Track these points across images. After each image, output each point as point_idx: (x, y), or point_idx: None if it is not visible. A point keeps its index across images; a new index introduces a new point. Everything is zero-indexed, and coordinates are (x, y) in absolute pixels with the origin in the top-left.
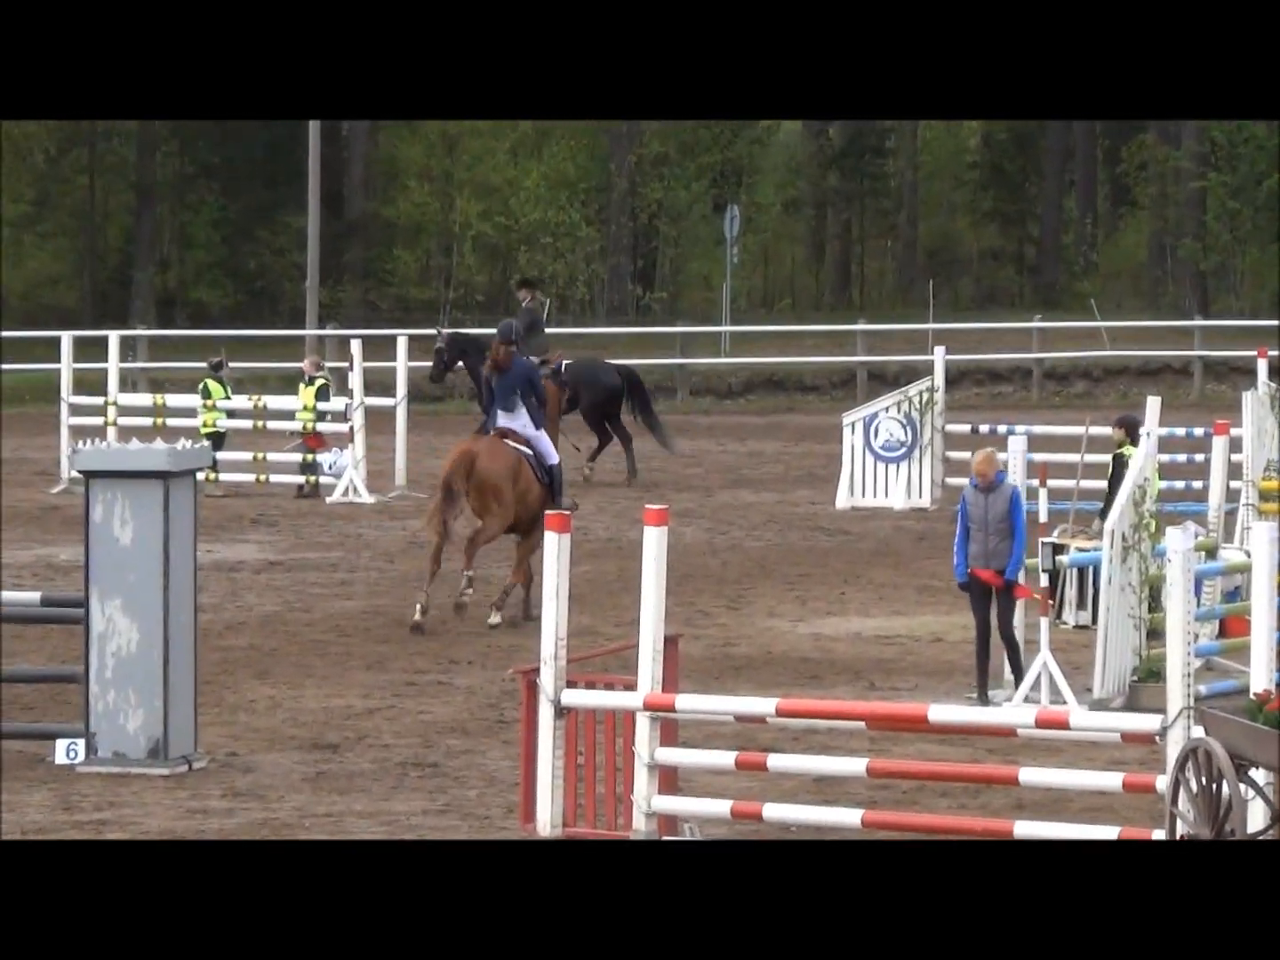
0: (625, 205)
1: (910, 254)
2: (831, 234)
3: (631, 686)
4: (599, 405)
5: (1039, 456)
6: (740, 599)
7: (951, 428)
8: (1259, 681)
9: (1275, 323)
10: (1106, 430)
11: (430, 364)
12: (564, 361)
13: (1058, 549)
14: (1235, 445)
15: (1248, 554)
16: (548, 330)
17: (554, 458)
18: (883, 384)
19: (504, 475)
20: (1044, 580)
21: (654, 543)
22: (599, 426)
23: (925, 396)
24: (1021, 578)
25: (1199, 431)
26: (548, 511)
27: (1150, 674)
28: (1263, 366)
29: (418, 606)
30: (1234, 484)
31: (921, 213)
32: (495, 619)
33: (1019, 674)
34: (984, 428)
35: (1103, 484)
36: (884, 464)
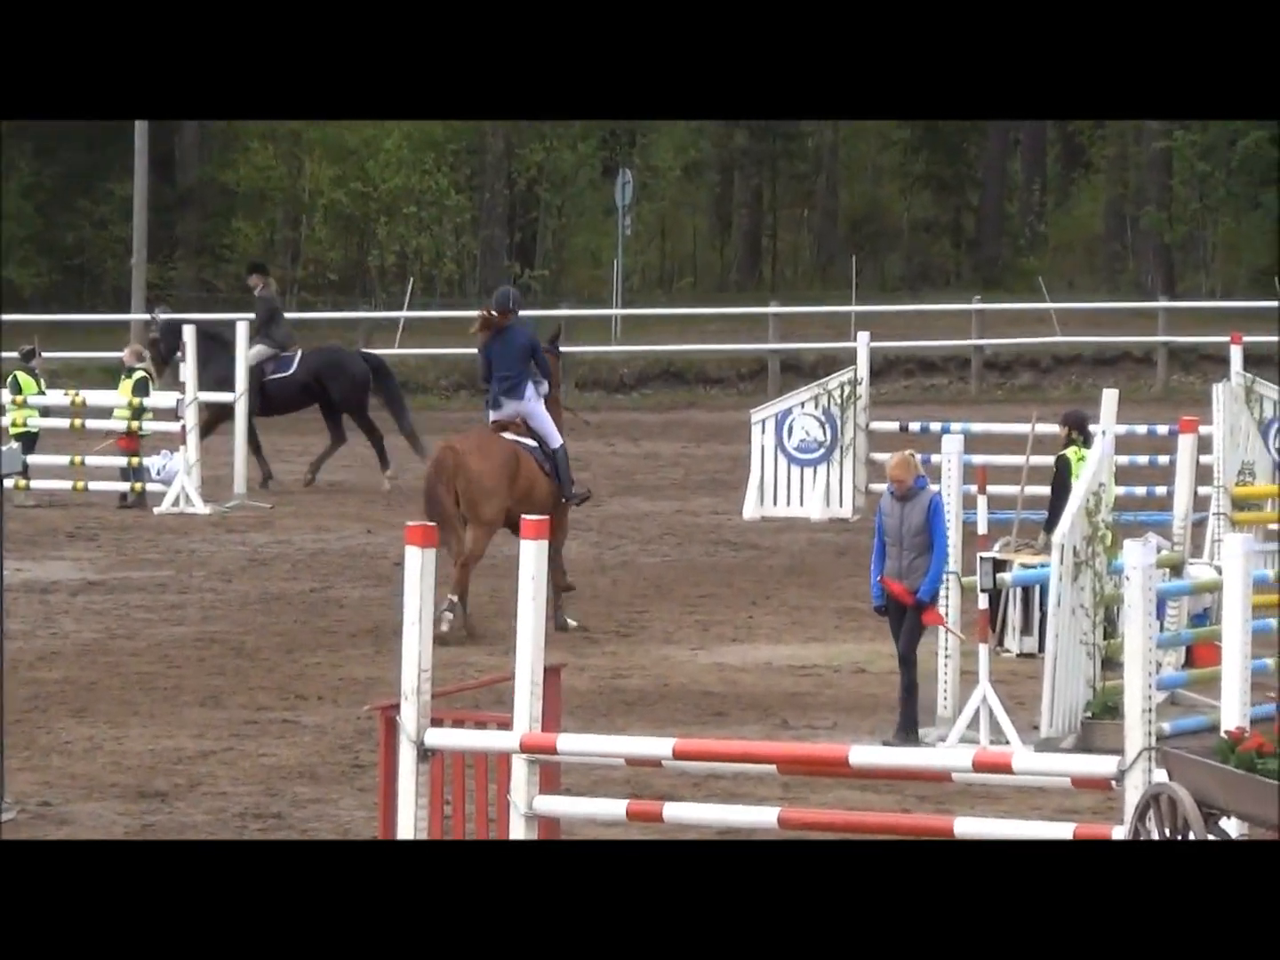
0: (501, 169)
1: (830, 226)
2: (739, 202)
3: (506, 725)
4: (347, 397)
5: (978, 458)
6: (633, 623)
7: (877, 425)
8: (1231, 718)
9: (1250, 304)
10: (1055, 428)
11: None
12: (299, 351)
13: (999, 565)
14: (1204, 445)
15: (1218, 570)
16: (412, 314)
17: (557, 440)
18: (798, 375)
19: (498, 475)
20: (983, 601)
21: (532, 559)
22: (338, 422)
23: (847, 390)
24: (973, 598)
25: (1162, 429)
26: (410, 524)
27: (1106, 709)
28: (1236, 354)
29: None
30: (1203, 490)
31: (843, 178)
32: (573, 621)
33: (908, 712)
34: (914, 425)
35: (1047, 489)
36: (799, 468)
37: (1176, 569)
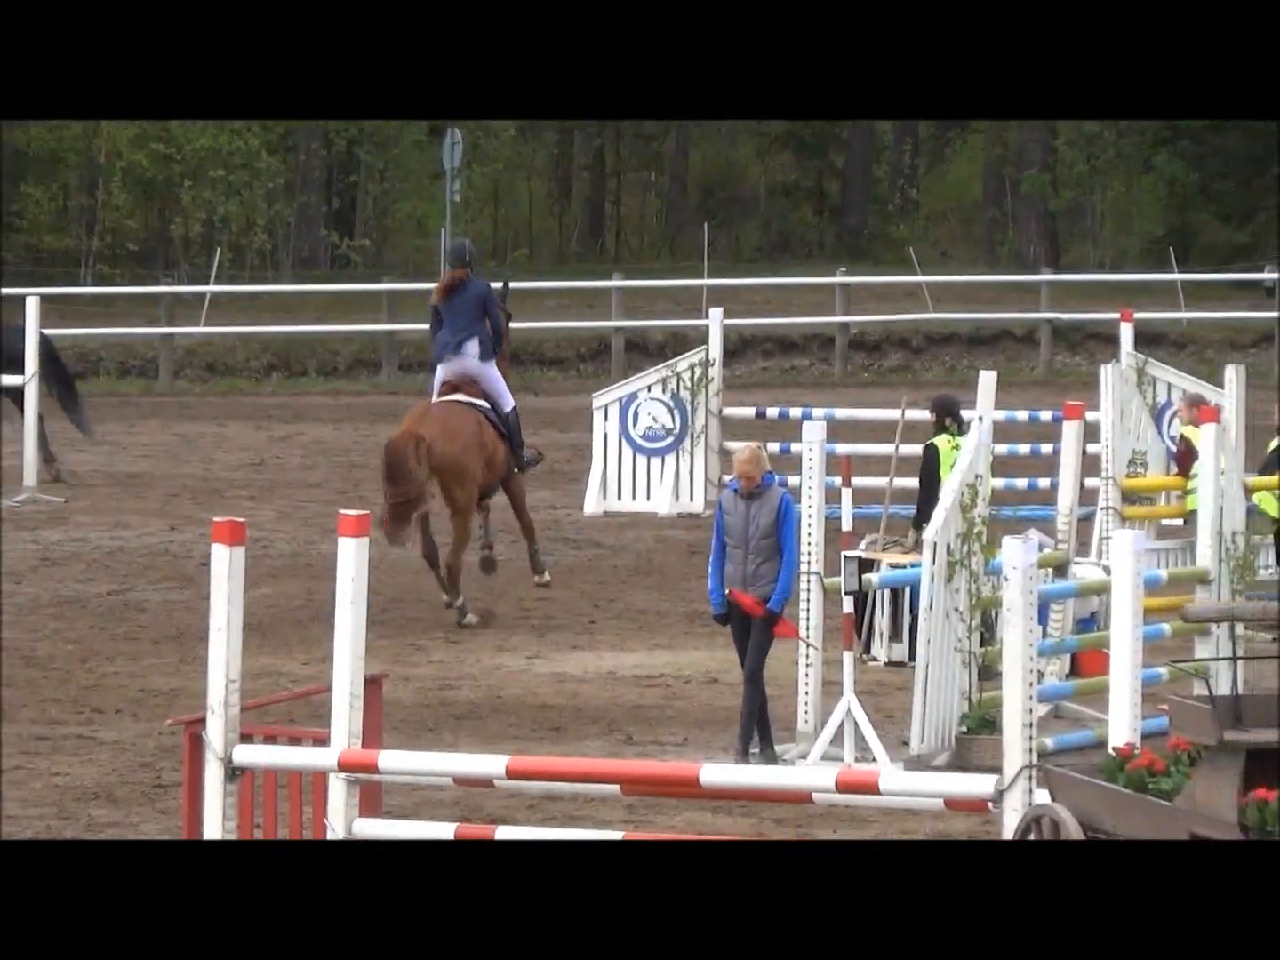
0: (317, 129)
1: (679, 191)
2: (579, 165)
3: (323, 741)
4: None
5: (842, 448)
6: (463, 629)
7: (731, 411)
8: (1120, 733)
9: (1142, 277)
10: (926, 414)
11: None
12: None
13: (865, 565)
14: (1092, 432)
15: (1107, 571)
16: (219, 288)
17: (509, 402)
18: (644, 356)
19: (471, 455)
20: (848, 605)
21: (351, 558)
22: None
23: (698, 372)
24: (836, 601)
25: (1045, 415)
26: (218, 520)
27: (983, 723)
28: (1126, 332)
29: (458, 609)
30: (1090, 482)
31: (694, 138)
32: (546, 576)
33: (747, 729)
34: (772, 411)
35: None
36: (645, 458)
37: (1060, 569)
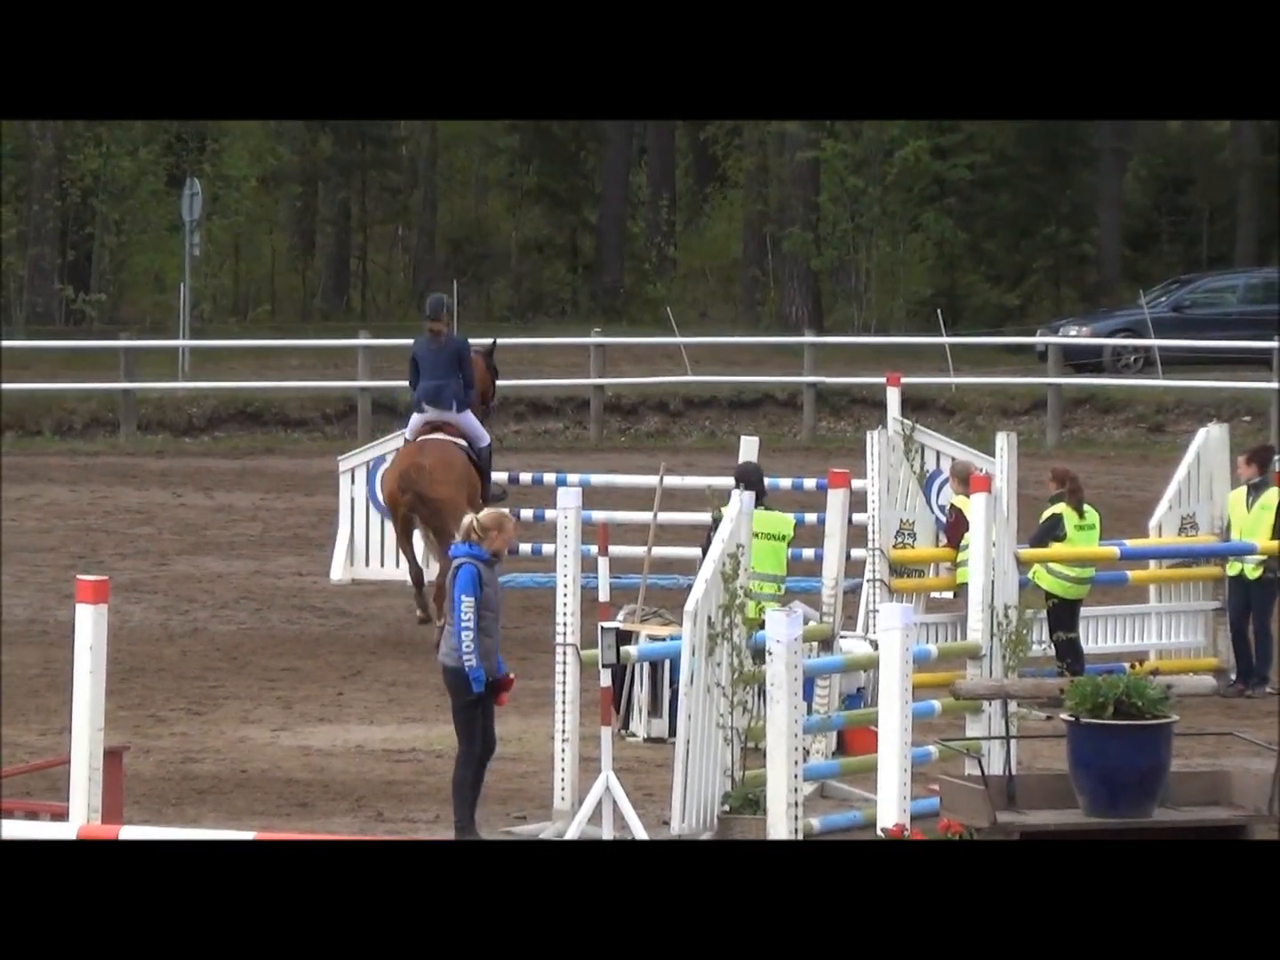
0: (51, 178)
1: (428, 246)
2: (324, 218)
3: (61, 815)
4: None
5: (598, 515)
6: (206, 700)
7: None
8: (889, 814)
9: (909, 339)
10: (689, 480)
11: None
12: None
13: (623, 637)
14: (858, 502)
15: (874, 645)
16: None
17: (484, 440)
18: (392, 417)
19: (459, 489)
20: (605, 678)
21: (90, 626)
22: None
23: None
24: (594, 674)
25: (810, 482)
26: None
27: (747, 802)
28: (893, 397)
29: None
30: (856, 553)
31: (442, 191)
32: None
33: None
34: (525, 476)
35: (684, 550)
36: None
37: (826, 643)
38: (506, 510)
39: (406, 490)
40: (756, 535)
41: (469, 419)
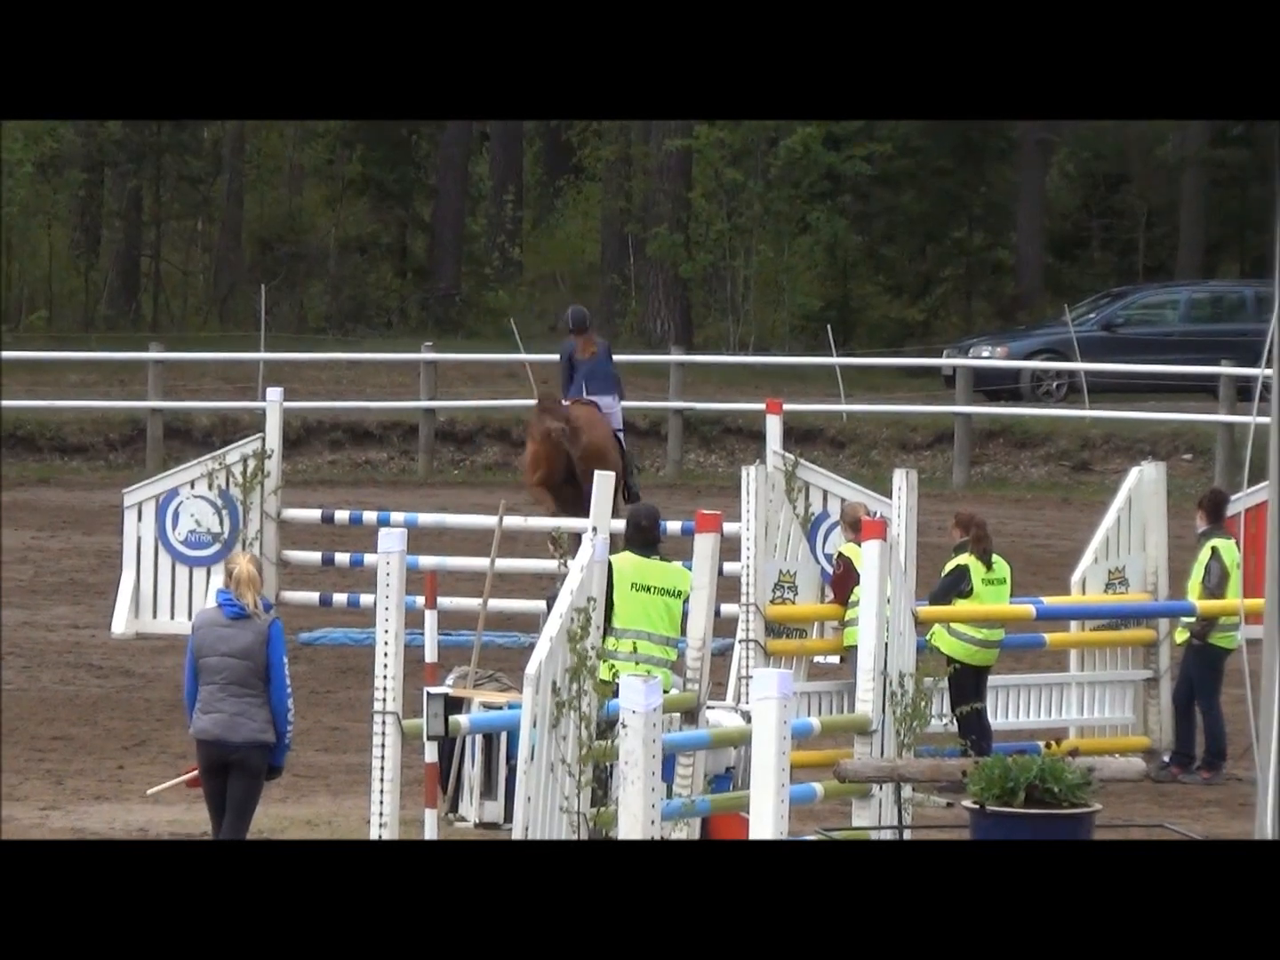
0: None
1: (234, 244)
2: (111, 211)
3: None
4: None
5: (426, 560)
6: None
7: (293, 514)
8: None
9: (793, 360)
10: (552, 523)
11: None
12: None
13: (453, 704)
14: (731, 548)
15: (746, 717)
16: None
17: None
18: (187, 444)
19: (610, 439)
20: (430, 753)
21: None
22: None
23: (251, 465)
24: (417, 747)
25: (674, 525)
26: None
27: None
28: (774, 426)
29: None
30: (727, 609)
31: (249, 180)
32: None
33: None
34: (342, 514)
35: (525, 603)
36: (187, 568)
37: (690, 714)
38: (246, 556)
39: (562, 435)
40: (647, 589)
41: (614, 405)
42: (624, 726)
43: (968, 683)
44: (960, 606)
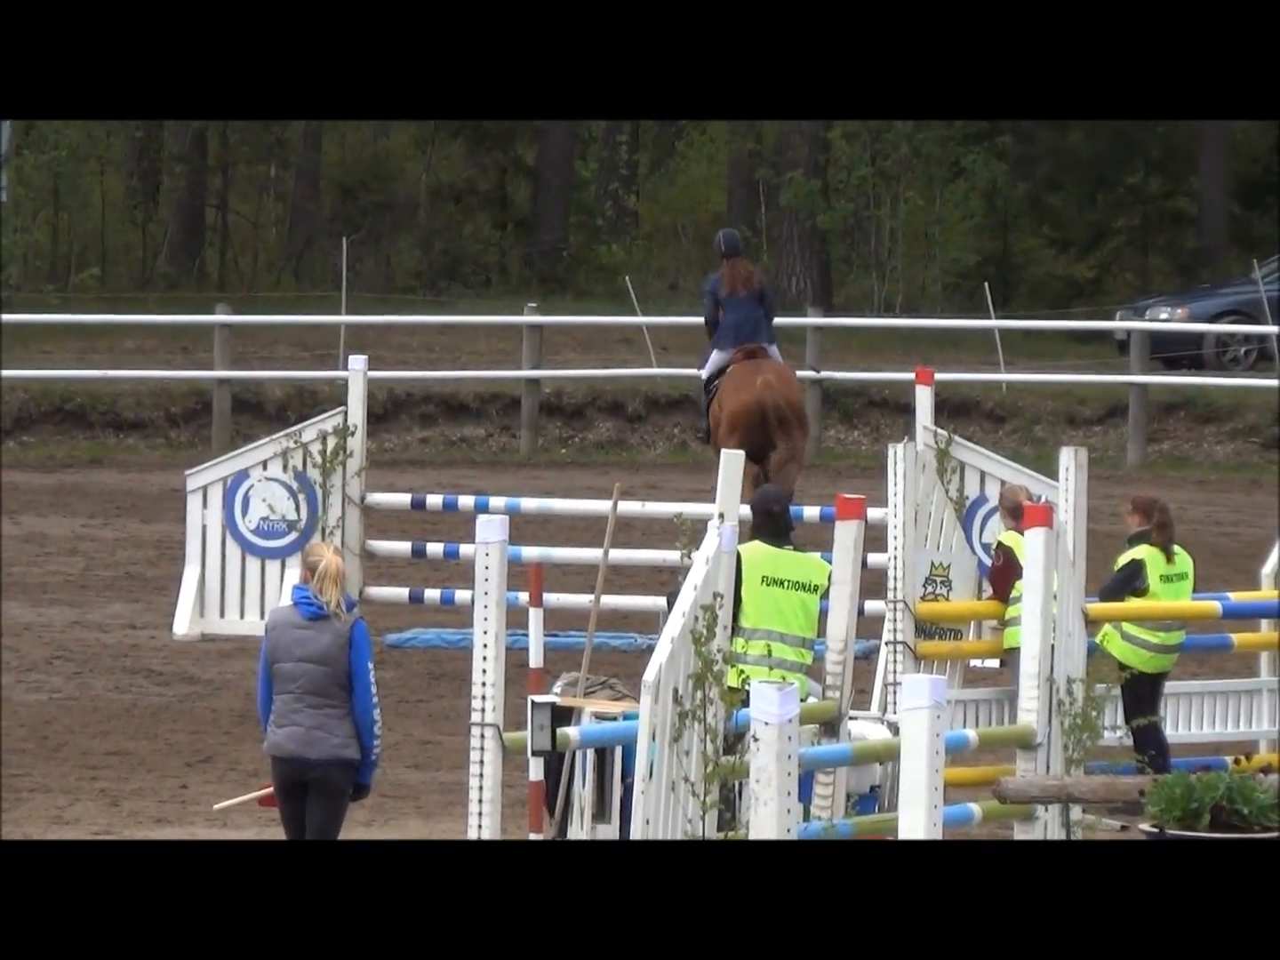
0: None
1: (309, 193)
2: (171, 154)
3: None
4: None
5: (530, 551)
6: (5, 793)
7: (378, 498)
8: None
9: (947, 322)
10: (674, 508)
11: None
12: None
13: (561, 715)
14: (876, 538)
15: (893, 729)
16: None
17: None
18: (258, 418)
19: (802, 396)
20: (536, 770)
21: None
22: None
23: (332, 443)
24: (521, 764)
25: (811, 511)
26: None
27: None
28: (924, 398)
29: None
30: (871, 606)
31: (326, 125)
32: None
33: None
34: (434, 499)
35: (643, 600)
36: (259, 560)
37: (830, 726)
38: (327, 546)
39: (769, 401)
40: (780, 584)
41: (778, 355)
42: (755, 740)
43: (1143, 691)
44: (1135, 605)
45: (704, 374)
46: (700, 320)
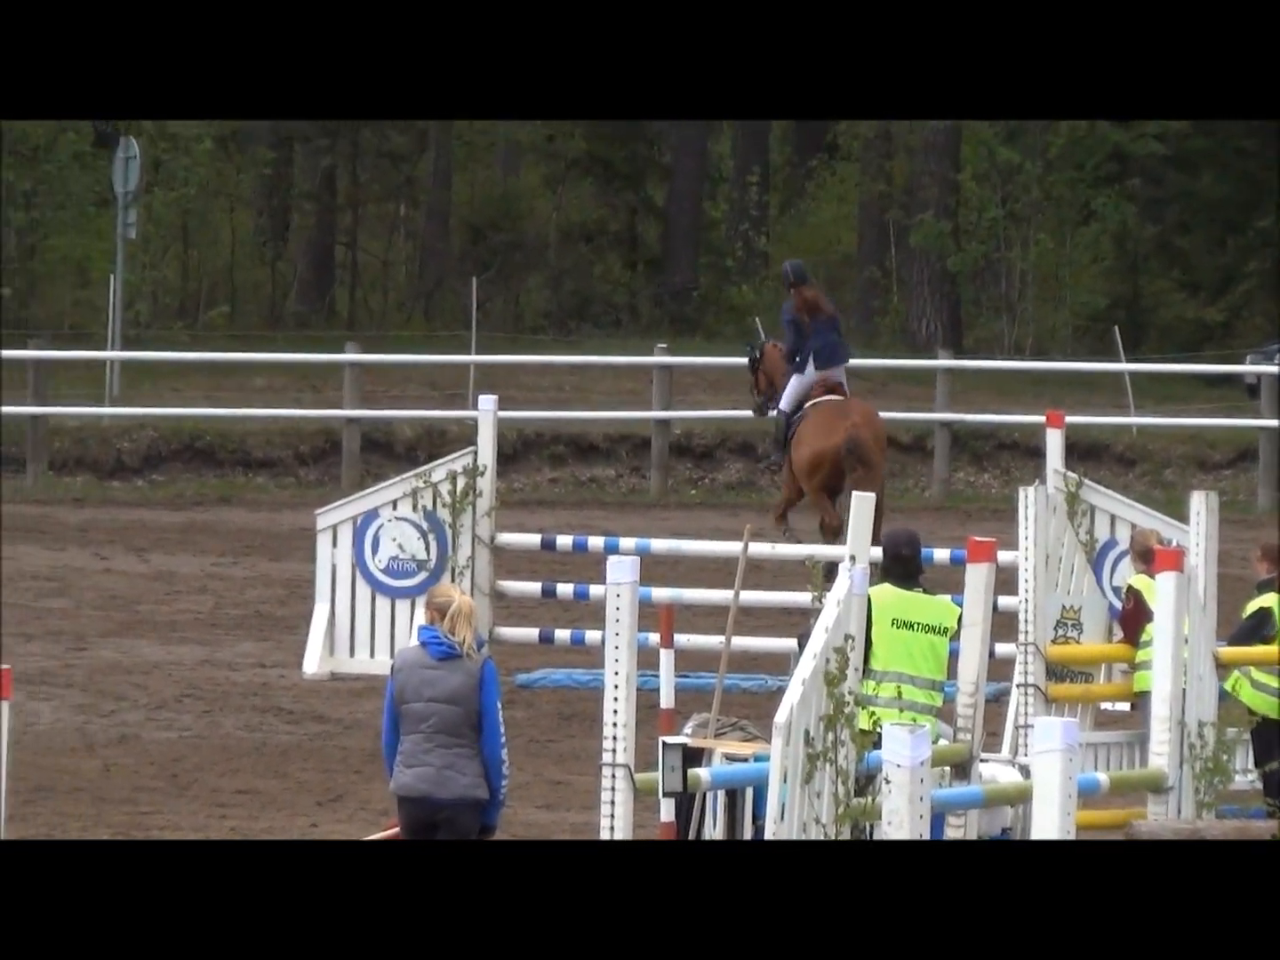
0: None
1: (439, 231)
2: (302, 191)
3: None
4: None
5: (661, 593)
6: (136, 830)
7: (508, 538)
8: None
9: (1077, 365)
10: (804, 551)
11: None
12: None
13: (691, 756)
14: (1006, 581)
15: (1025, 772)
16: None
17: None
18: (388, 458)
19: (884, 436)
20: (667, 810)
21: None
22: None
23: (462, 482)
24: (652, 804)
25: (942, 554)
26: None
27: None
28: (1055, 441)
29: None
30: (1002, 649)
31: (459, 160)
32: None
33: None
34: (564, 539)
35: (773, 642)
36: (389, 599)
37: (962, 768)
38: (445, 585)
39: (853, 451)
40: (910, 627)
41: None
42: (887, 782)
43: (1272, 737)
44: (1264, 651)
45: (785, 406)
46: None
